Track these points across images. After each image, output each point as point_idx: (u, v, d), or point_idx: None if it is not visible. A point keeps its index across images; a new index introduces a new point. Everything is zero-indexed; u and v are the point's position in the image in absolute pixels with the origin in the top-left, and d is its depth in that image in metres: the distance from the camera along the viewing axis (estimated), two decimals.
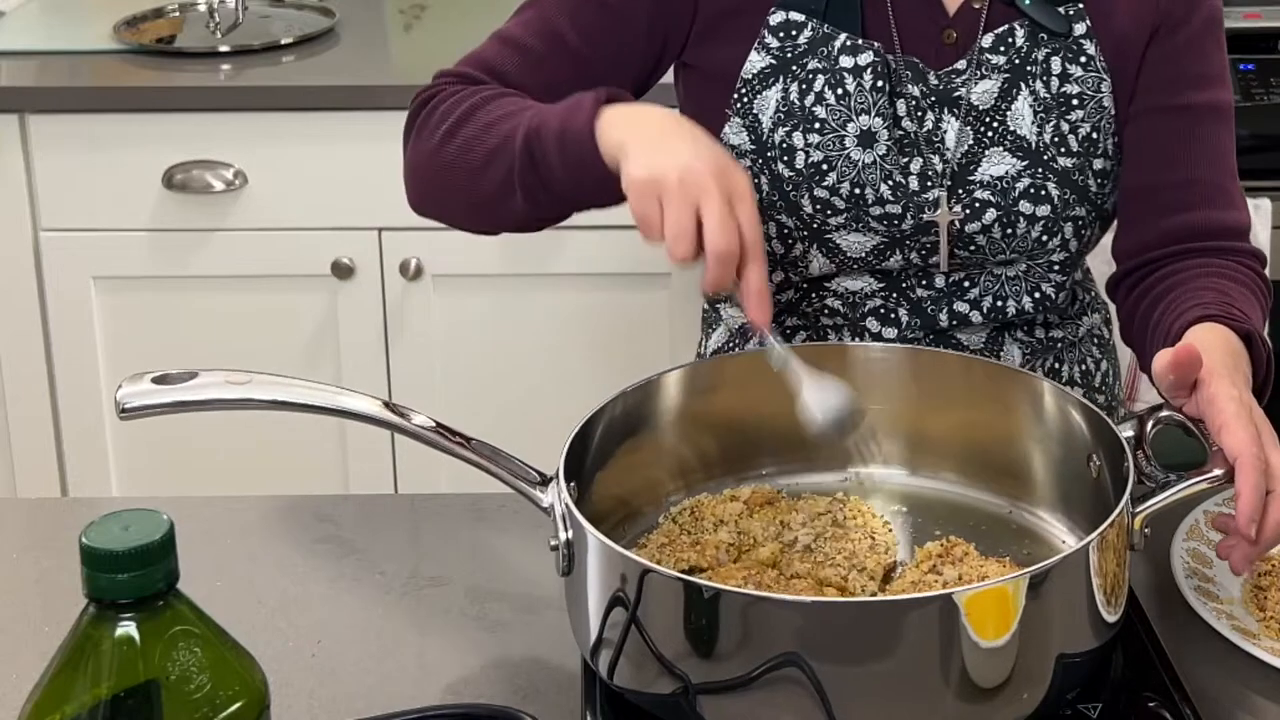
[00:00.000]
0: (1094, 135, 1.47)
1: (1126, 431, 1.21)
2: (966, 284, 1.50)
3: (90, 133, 2.46)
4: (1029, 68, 1.46)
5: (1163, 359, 1.22)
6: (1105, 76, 1.47)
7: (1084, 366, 1.58)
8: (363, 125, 2.45)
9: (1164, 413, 1.23)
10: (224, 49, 2.63)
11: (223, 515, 1.43)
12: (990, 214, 1.45)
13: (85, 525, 0.87)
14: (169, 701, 0.87)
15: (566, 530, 1.14)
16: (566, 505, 1.13)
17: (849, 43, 1.44)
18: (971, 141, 1.45)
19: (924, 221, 1.45)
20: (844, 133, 1.44)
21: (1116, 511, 1.11)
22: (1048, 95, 1.46)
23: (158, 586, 0.87)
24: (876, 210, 1.45)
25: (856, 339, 1.50)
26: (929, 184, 1.45)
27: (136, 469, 2.60)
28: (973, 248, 1.47)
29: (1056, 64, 1.46)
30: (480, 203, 1.41)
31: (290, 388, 1.18)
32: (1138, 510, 1.14)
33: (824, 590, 1.17)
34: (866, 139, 1.44)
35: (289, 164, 2.47)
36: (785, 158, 1.45)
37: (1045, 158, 1.45)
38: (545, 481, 1.18)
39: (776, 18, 1.46)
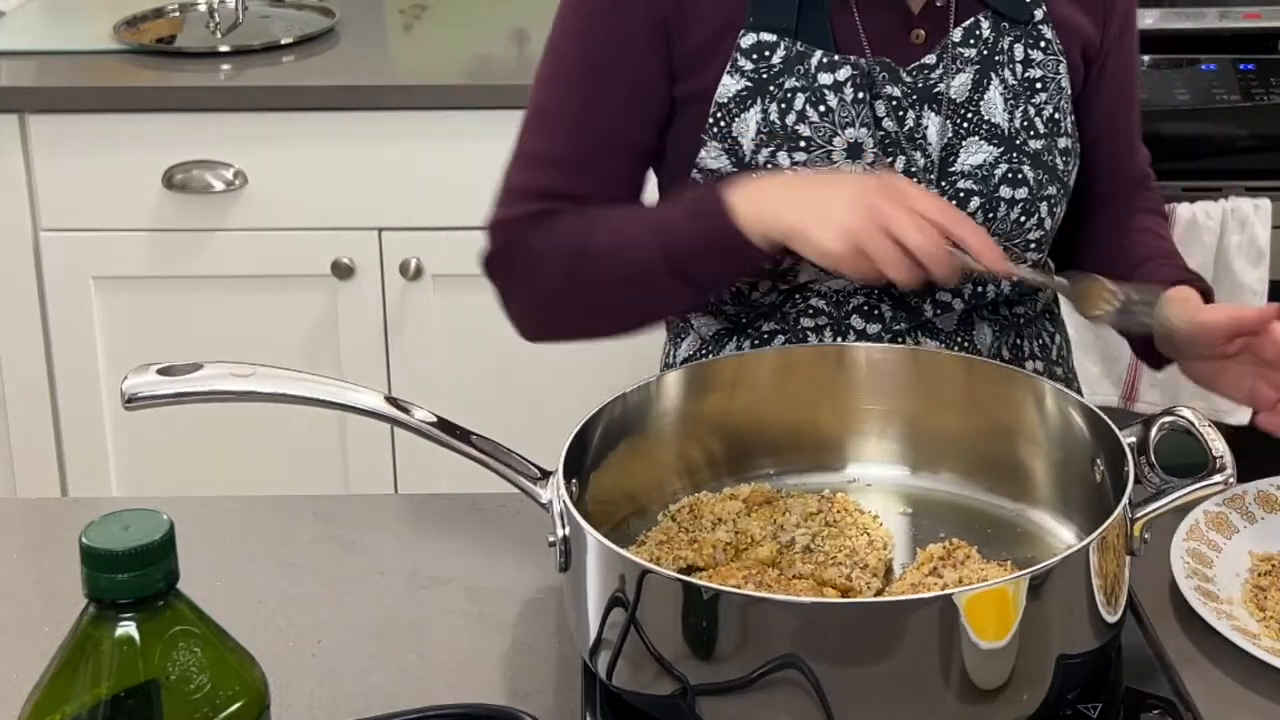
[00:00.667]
0: (1056, 116, 1.51)
1: (1130, 437, 1.21)
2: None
3: (90, 133, 2.46)
4: (997, 57, 1.49)
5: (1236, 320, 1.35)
6: (1062, 58, 1.52)
7: (1040, 341, 1.60)
8: (363, 125, 2.45)
9: (1168, 418, 1.23)
10: (224, 49, 2.63)
11: (223, 515, 1.43)
12: (974, 202, 1.48)
13: (85, 525, 0.87)
14: (169, 701, 0.87)
15: (564, 527, 1.14)
16: (565, 503, 1.13)
17: (825, 60, 1.46)
18: (950, 134, 1.48)
19: None
20: (830, 147, 1.45)
21: (1116, 512, 1.11)
22: (1015, 82, 1.50)
23: (158, 586, 0.87)
24: None
25: (840, 338, 1.50)
26: (914, 180, 1.46)
27: (136, 469, 2.60)
28: None
29: (1019, 50, 1.50)
30: (629, 324, 1.49)
31: (293, 380, 1.19)
32: (1138, 516, 1.14)
33: (824, 591, 1.17)
34: (854, 151, 1.45)
35: (289, 164, 2.47)
36: None
37: (1017, 142, 1.49)
38: (545, 476, 1.18)
39: (748, 40, 1.46)
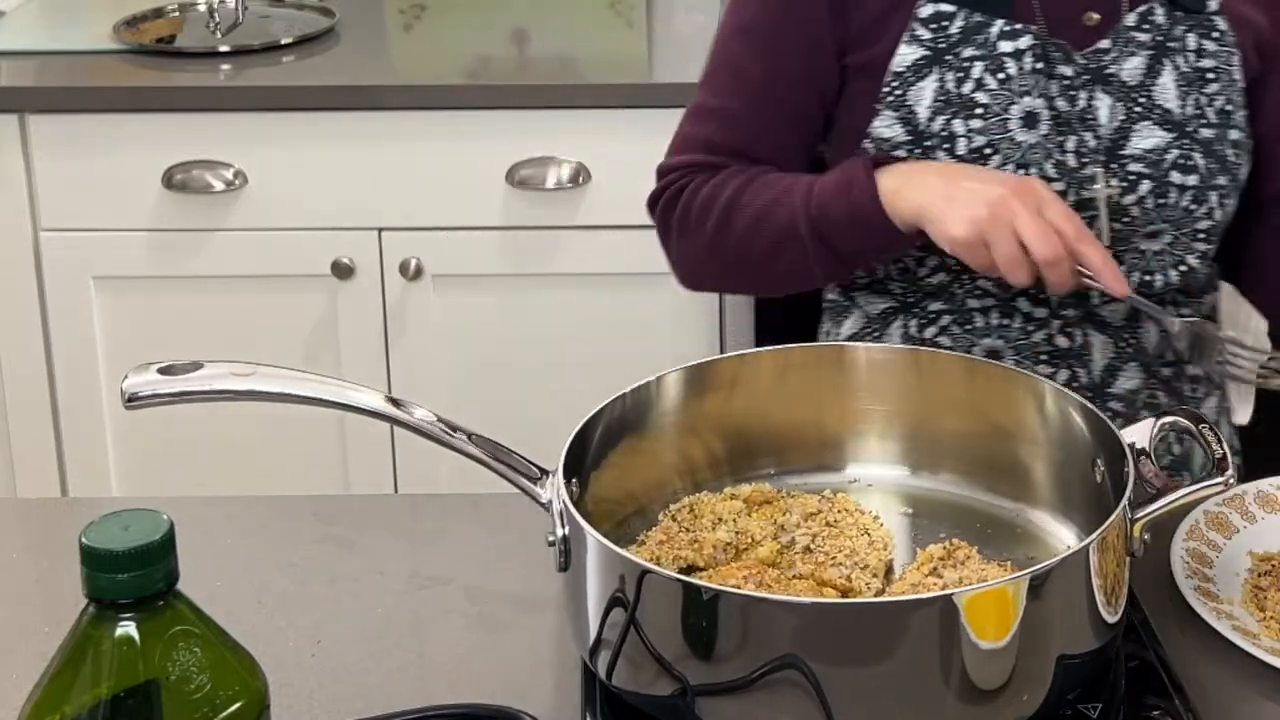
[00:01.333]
0: (1228, 108, 1.53)
1: (1130, 437, 1.21)
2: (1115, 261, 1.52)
3: (90, 133, 2.46)
4: (1170, 44, 1.52)
5: None
6: (1235, 51, 1.53)
7: None
8: (363, 125, 2.45)
9: (1168, 418, 1.23)
10: (224, 49, 2.63)
11: (223, 515, 1.43)
12: (1145, 186, 1.50)
13: (85, 525, 0.87)
14: (169, 701, 0.87)
15: (564, 526, 1.14)
16: (565, 503, 1.13)
17: (1006, 28, 1.49)
18: (1123, 117, 1.50)
19: (1084, 198, 1.49)
20: (1007, 116, 1.48)
21: (1116, 513, 1.11)
22: (1188, 69, 1.51)
23: (158, 586, 0.87)
24: None
25: (1007, 319, 1.53)
26: (1084, 160, 1.49)
27: (136, 469, 2.60)
28: (1126, 219, 1.51)
29: (1192, 40, 1.52)
30: (772, 282, 1.56)
31: (294, 380, 1.19)
32: (1138, 517, 1.14)
33: (824, 591, 1.17)
34: (1029, 120, 1.48)
35: (289, 164, 2.47)
36: (946, 145, 1.48)
37: (1189, 129, 1.51)
38: (545, 476, 1.18)
39: (926, 10, 1.50)
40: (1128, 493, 1.13)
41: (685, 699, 1.07)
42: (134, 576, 0.86)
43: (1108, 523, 1.10)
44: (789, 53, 1.53)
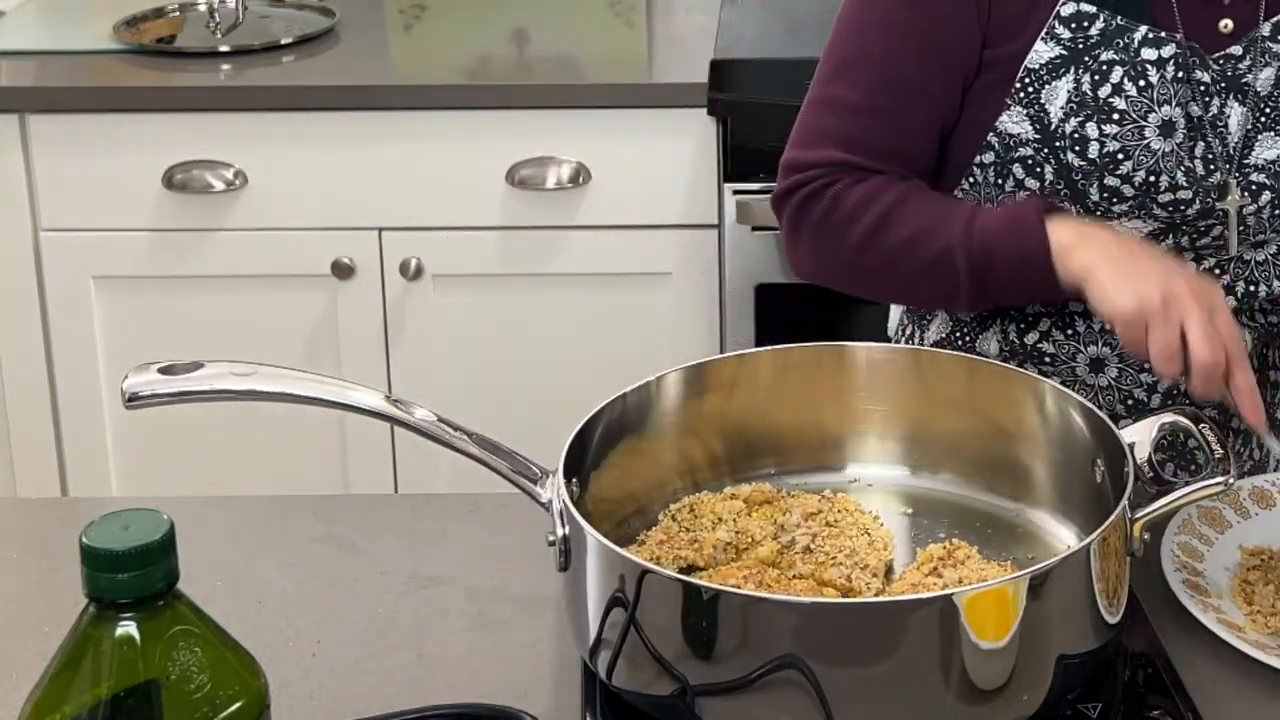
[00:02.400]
0: None
1: (1130, 437, 1.21)
2: (1217, 271, 1.52)
3: (90, 133, 2.46)
4: None
5: None
6: None
7: None
8: (363, 125, 2.45)
9: (1169, 418, 1.23)
10: (224, 49, 2.63)
11: (223, 515, 1.43)
12: (1265, 196, 1.49)
13: (85, 525, 0.87)
14: (169, 701, 0.87)
15: (564, 526, 1.14)
16: (565, 502, 1.13)
17: (1150, 35, 1.47)
18: (1249, 126, 1.49)
19: (1210, 207, 1.48)
20: (1145, 123, 1.46)
21: (1116, 513, 1.11)
22: None
23: (158, 586, 0.87)
24: (1166, 198, 1.47)
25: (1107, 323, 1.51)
26: (1211, 168, 1.48)
27: (136, 468, 2.60)
28: (1241, 229, 1.50)
29: None
30: (905, 299, 1.54)
31: (294, 380, 1.19)
32: (1137, 517, 1.14)
33: (824, 591, 1.17)
34: (1167, 129, 1.47)
35: (289, 164, 2.47)
36: (1076, 147, 1.47)
37: None
38: (545, 476, 1.18)
39: (1067, 9, 1.48)
40: (1128, 493, 1.13)
41: (685, 699, 1.07)
42: (134, 576, 0.86)
43: (1108, 523, 1.10)
44: (942, 49, 1.50)
